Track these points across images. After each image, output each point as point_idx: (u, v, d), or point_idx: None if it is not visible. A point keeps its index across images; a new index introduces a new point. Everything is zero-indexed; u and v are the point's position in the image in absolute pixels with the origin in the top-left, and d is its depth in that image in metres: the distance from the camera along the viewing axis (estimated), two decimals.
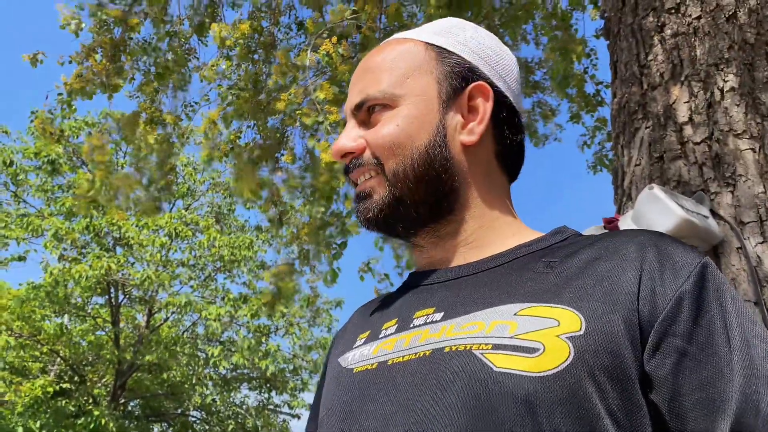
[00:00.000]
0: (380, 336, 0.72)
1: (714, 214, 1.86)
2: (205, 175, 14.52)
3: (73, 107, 5.02)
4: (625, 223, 1.81)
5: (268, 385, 15.66)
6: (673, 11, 2.21)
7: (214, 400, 15.47)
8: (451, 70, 0.76)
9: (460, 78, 0.76)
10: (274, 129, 5.33)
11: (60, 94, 5.05)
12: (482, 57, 0.79)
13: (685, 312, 0.58)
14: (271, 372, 14.22)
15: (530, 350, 0.57)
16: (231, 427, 15.11)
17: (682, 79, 2.10)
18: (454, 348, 0.61)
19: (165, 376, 14.66)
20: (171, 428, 15.97)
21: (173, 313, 14.42)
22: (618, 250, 0.64)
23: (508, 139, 0.79)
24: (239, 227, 15.39)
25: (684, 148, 2.00)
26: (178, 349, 14.56)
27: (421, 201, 0.74)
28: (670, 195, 1.75)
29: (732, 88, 2.00)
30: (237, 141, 5.16)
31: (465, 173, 0.75)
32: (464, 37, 0.79)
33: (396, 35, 0.83)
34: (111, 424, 11.76)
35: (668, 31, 2.19)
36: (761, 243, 1.80)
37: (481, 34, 0.82)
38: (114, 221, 11.92)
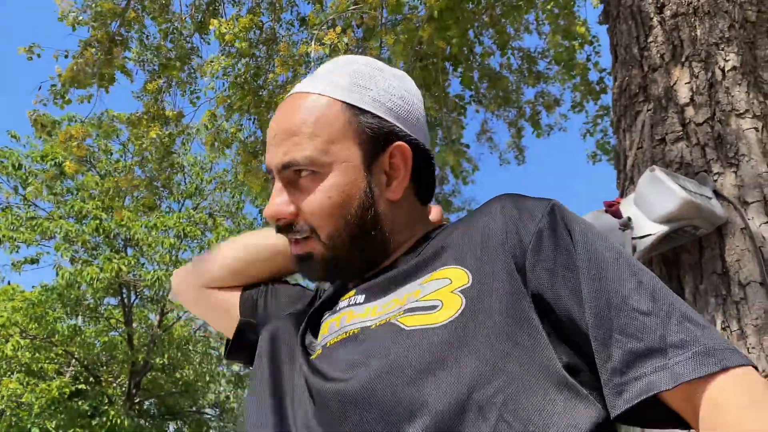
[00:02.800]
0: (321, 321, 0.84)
1: (717, 194, 1.84)
2: (212, 173, 14.57)
3: (67, 98, 5.02)
4: (627, 205, 1.80)
5: None
6: None
7: (227, 397, 15.55)
8: (370, 133, 0.80)
9: (380, 140, 0.81)
10: None
11: (53, 85, 5.05)
12: (395, 112, 0.83)
13: (545, 243, 0.69)
14: None
15: (431, 308, 0.69)
16: None
17: (683, 59, 2.07)
18: (378, 324, 0.72)
19: (178, 374, 14.74)
20: (186, 426, 16.08)
21: (185, 312, 14.48)
22: (485, 212, 0.77)
23: (425, 179, 0.87)
24: (247, 225, 15.43)
25: (686, 129, 1.98)
26: (190, 348, 14.63)
27: (356, 258, 0.82)
28: (671, 176, 1.73)
29: (733, 67, 1.97)
30: (239, 134, 5.15)
31: (393, 223, 0.83)
32: (376, 91, 0.82)
33: (307, 83, 0.84)
34: (126, 423, 11.85)
35: (668, 12, 2.17)
36: (766, 223, 1.78)
37: (388, 78, 0.85)
38: (123, 222, 11.98)
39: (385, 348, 0.68)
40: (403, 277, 0.77)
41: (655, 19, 2.20)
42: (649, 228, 1.73)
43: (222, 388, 15.66)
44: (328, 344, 0.77)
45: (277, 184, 0.81)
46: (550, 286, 0.68)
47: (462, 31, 4.78)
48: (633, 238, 1.75)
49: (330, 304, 0.87)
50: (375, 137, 0.80)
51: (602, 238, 0.70)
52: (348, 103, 0.81)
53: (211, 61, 5.39)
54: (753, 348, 1.68)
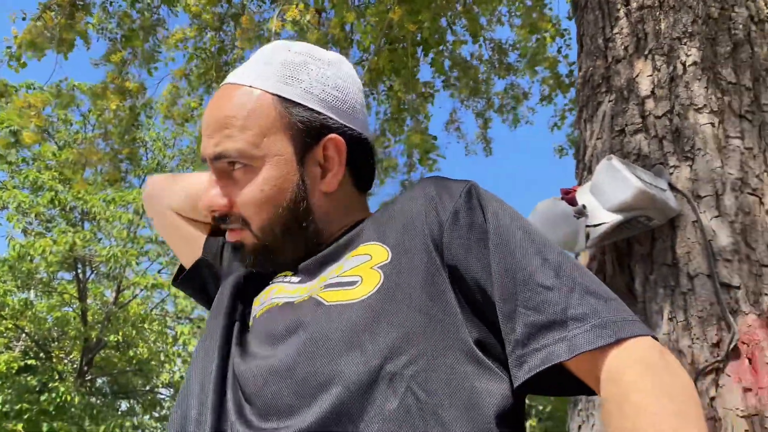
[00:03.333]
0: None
1: (672, 187, 1.86)
2: (175, 150, 14.28)
3: (23, 62, 4.83)
4: (583, 193, 1.80)
5: None
6: None
7: (182, 377, 15.37)
8: (302, 127, 0.80)
9: (312, 133, 0.81)
10: None
11: (8, 47, 4.86)
12: (328, 104, 0.83)
13: (461, 220, 0.72)
14: None
15: (351, 283, 0.71)
16: None
17: (646, 52, 2.09)
18: (301, 300, 0.75)
19: (132, 353, 14.51)
20: (139, 405, 15.87)
21: (142, 290, 14.24)
22: (409, 194, 0.80)
23: (363, 169, 0.88)
24: None
25: (645, 121, 2.00)
26: (146, 326, 14.40)
27: (288, 248, 0.83)
28: (628, 166, 1.74)
29: (694, 63, 1.99)
30: (200, 107, 5.04)
31: (328, 214, 0.84)
32: (308, 82, 0.82)
33: (240, 74, 0.84)
34: (76, 400, 11.62)
35: (634, 4, 2.17)
36: (716, 217, 1.81)
37: (321, 67, 0.84)
38: (80, 195, 11.67)
39: (305, 322, 0.70)
40: (330, 257, 0.80)
41: (621, 11, 2.21)
42: (603, 216, 1.74)
43: (177, 368, 15.48)
44: (257, 315, 0.80)
45: (212, 175, 0.82)
46: (465, 261, 0.70)
47: (434, 16, 4.75)
48: (587, 226, 1.76)
49: (271, 276, 0.88)
50: (307, 130, 0.81)
51: (514, 217, 0.73)
52: (279, 96, 0.81)
53: (176, 33, 5.26)
54: (697, 339, 1.70)
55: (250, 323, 0.81)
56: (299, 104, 0.81)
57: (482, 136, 8.27)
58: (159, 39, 6.05)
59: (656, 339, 0.64)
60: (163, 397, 16.07)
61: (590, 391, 0.67)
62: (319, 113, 0.82)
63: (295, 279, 0.82)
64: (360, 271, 0.72)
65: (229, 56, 5.24)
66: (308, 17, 3.73)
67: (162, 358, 15.03)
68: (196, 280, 1.03)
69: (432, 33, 4.82)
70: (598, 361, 0.62)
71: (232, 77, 0.84)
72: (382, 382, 0.63)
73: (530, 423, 10.87)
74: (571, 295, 0.65)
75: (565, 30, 6.19)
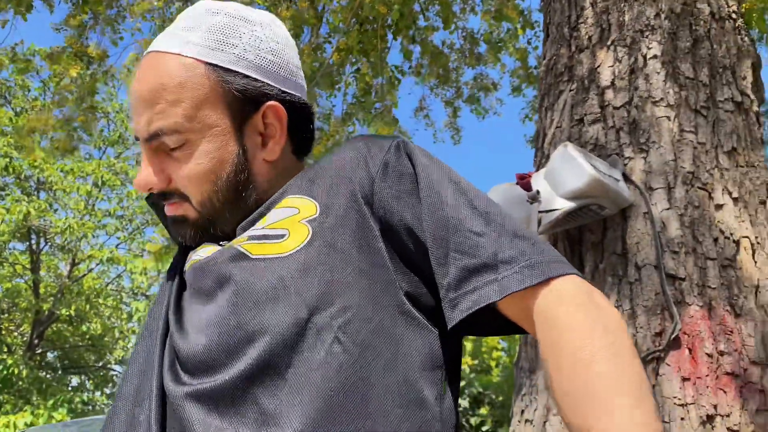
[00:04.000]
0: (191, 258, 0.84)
1: (626, 178, 1.88)
2: None
3: None
4: (538, 178, 1.80)
5: None
6: None
7: None
8: (239, 96, 0.77)
9: (250, 102, 0.78)
10: None
11: None
12: (264, 69, 0.79)
13: (391, 171, 0.73)
14: None
15: (278, 237, 0.71)
16: None
17: (609, 43, 2.09)
18: (225, 251, 0.73)
19: (85, 328, 14.22)
20: (90, 381, 15.58)
21: (98, 264, 13.93)
22: (338, 150, 0.79)
23: (303, 135, 0.86)
24: None
25: (604, 112, 2.01)
26: (101, 301, 14.12)
27: (229, 218, 0.80)
28: (583, 154, 1.75)
29: (654, 56, 2.01)
30: None
31: (269, 181, 0.82)
32: (242, 47, 0.78)
33: (166, 41, 0.78)
34: (25, 373, 11.35)
35: None
36: (667, 209, 1.83)
37: (255, 29, 0.80)
38: (36, 164, 11.32)
39: (232, 275, 0.69)
40: (259, 213, 0.78)
41: (587, 1, 2.21)
42: (556, 203, 1.75)
43: (131, 345, 15.23)
44: (186, 269, 0.79)
45: (146, 153, 0.78)
46: (396, 211, 0.71)
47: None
48: (540, 212, 1.76)
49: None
50: (244, 99, 0.77)
51: (444, 168, 0.74)
52: (212, 64, 0.76)
53: (142, 2, 5.11)
54: (641, 327, 1.73)
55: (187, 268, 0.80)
56: (234, 71, 0.77)
57: (451, 125, 8.30)
58: (123, 5, 5.88)
59: (583, 278, 0.66)
60: (115, 373, 15.82)
61: (523, 332, 0.69)
62: (255, 80, 0.78)
63: (226, 242, 0.80)
64: (287, 224, 0.72)
65: None
66: None
67: (116, 334, 14.77)
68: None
69: (403, 16, 4.78)
70: (529, 301, 0.64)
71: (158, 45, 0.78)
72: (310, 333, 0.64)
73: (482, 410, 11.03)
74: (500, 240, 0.66)
75: (536, 22, 6.23)
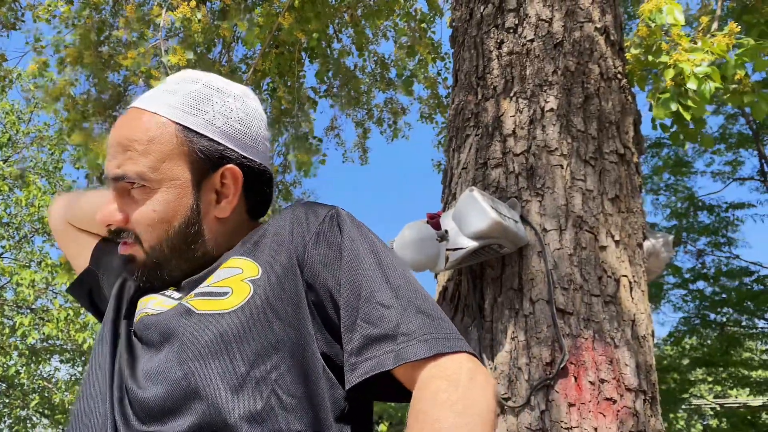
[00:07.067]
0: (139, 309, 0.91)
1: (523, 219, 2.06)
2: (30, 126, 13.14)
3: None
4: (446, 219, 1.95)
5: (83, 359, 14.58)
6: (511, 31, 2.40)
7: (18, 371, 14.11)
8: (202, 155, 0.86)
9: (211, 162, 0.87)
10: (115, 84, 4.97)
11: None
12: (229, 135, 0.88)
13: (321, 241, 0.81)
14: (89, 345, 13.26)
15: (222, 294, 0.79)
16: (35, 401, 13.88)
17: (512, 94, 2.29)
18: (172, 307, 0.82)
19: None
20: None
21: None
22: (281, 216, 0.87)
23: (258, 198, 0.94)
24: (66, 187, 14.13)
25: (505, 157, 2.19)
26: None
27: (174, 266, 0.88)
28: (486, 199, 1.91)
29: (551, 109, 2.22)
30: (70, 89, 4.74)
31: (217, 238, 0.90)
32: (212, 114, 0.88)
33: (147, 100, 0.89)
34: None
35: (505, 49, 2.38)
36: (559, 249, 2.03)
37: (227, 100, 0.90)
38: None
39: (177, 329, 0.77)
40: (207, 273, 0.86)
41: (494, 53, 2.40)
42: (462, 242, 1.90)
43: (12, 361, 14.17)
44: (135, 321, 0.86)
45: (112, 192, 0.87)
46: (321, 276, 0.79)
47: (322, 25, 4.81)
48: (447, 249, 1.90)
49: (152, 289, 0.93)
50: (205, 159, 0.86)
51: (368, 240, 0.82)
52: (182, 125, 0.86)
53: (49, 5, 4.90)
54: (534, 358, 1.90)
55: (133, 327, 0.86)
56: (200, 134, 0.86)
57: (360, 145, 8.45)
58: (23, 5, 5.60)
59: (475, 356, 0.73)
60: None
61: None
62: (219, 143, 0.87)
63: (176, 294, 0.87)
64: (231, 283, 0.80)
65: (104, 36, 4.96)
66: (199, 15, 3.65)
67: None
68: (84, 291, 1.10)
69: (319, 42, 4.88)
70: (416, 372, 0.71)
71: (140, 102, 0.89)
72: (248, 385, 0.72)
73: (381, 427, 11.18)
74: (405, 314, 0.74)
75: (446, 54, 6.52)
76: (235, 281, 0.80)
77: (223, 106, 0.89)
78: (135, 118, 0.87)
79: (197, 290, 0.82)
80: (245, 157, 0.90)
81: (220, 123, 0.88)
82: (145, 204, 0.84)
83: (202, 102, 0.88)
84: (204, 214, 0.87)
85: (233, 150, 0.88)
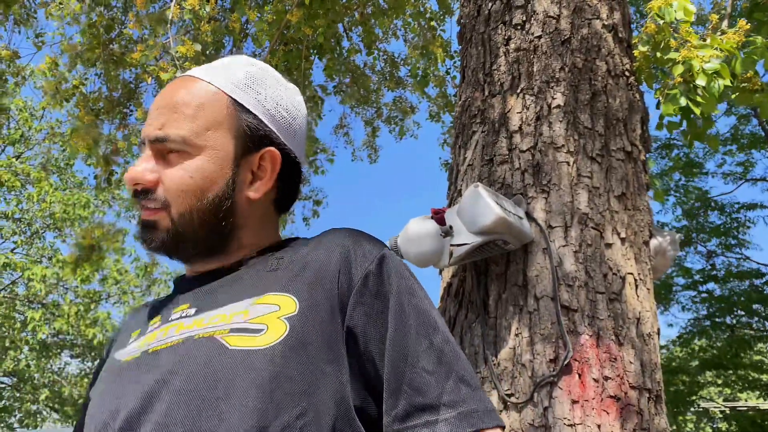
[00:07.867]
0: (147, 332, 0.85)
1: (528, 216, 2.06)
2: (43, 122, 13.25)
3: None
4: (451, 215, 1.95)
5: (93, 354, 14.69)
6: (519, 27, 2.39)
7: (28, 365, 14.24)
8: (248, 131, 0.85)
9: (255, 141, 0.86)
10: (125, 82, 5.00)
11: None
12: (276, 120, 0.88)
13: (369, 287, 0.77)
14: (99, 341, 13.37)
15: (257, 331, 0.74)
16: (45, 395, 14.00)
17: (519, 91, 2.29)
18: (202, 335, 0.76)
19: None
20: None
21: None
22: (326, 244, 0.83)
23: (287, 189, 0.92)
24: (77, 184, 14.24)
25: (511, 154, 2.19)
26: None
27: (200, 240, 0.85)
28: (491, 195, 1.91)
29: (558, 106, 2.21)
30: (81, 88, 4.77)
31: (245, 219, 0.87)
32: (264, 95, 0.88)
33: (202, 70, 0.89)
34: None
35: (512, 45, 2.37)
36: (564, 246, 2.02)
37: (279, 89, 0.91)
38: None
39: (204, 360, 0.73)
40: (236, 291, 0.81)
41: (501, 50, 2.40)
42: (466, 238, 1.90)
43: (23, 356, 14.31)
44: (151, 350, 0.79)
45: (147, 152, 0.84)
46: (363, 328, 0.76)
47: (331, 22, 4.82)
48: (451, 245, 1.90)
49: (159, 314, 0.88)
50: (251, 136, 0.85)
51: (414, 295, 0.79)
52: (235, 99, 0.85)
53: (60, 3, 4.93)
54: (538, 354, 1.90)
55: (133, 356, 0.81)
56: (250, 111, 0.86)
57: (369, 144, 8.46)
58: (36, 4, 5.64)
59: (503, 429, 0.75)
60: (4, 386, 14.78)
61: None
62: (266, 125, 0.87)
63: (192, 311, 0.83)
64: (267, 320, 0.75)
65: (114, 33, 4.99)
66: (208, 9, 3.66)
67: (6, 344, 13.83)
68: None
69: (328, 38, 4.89)
70: None
71: (193, 71, 0.88)
72: (274, 430, 0.69)
73: None
74: (446, 382, 0.74)
75: (455, 52, 6.51)
76: (271, 318, 0.76)
77: (275, 92, 0.90)
78: (187, 83, 0.86)
79: (233, 325, 0.76)
80: (286, 146, 0.89)
81: (270, 106, 0.88)
82: (182, 169, 0.82)
83: (257, 83, 0.88)
84: (237, 191, 0.85)
85: (277, 135, 0.88)
